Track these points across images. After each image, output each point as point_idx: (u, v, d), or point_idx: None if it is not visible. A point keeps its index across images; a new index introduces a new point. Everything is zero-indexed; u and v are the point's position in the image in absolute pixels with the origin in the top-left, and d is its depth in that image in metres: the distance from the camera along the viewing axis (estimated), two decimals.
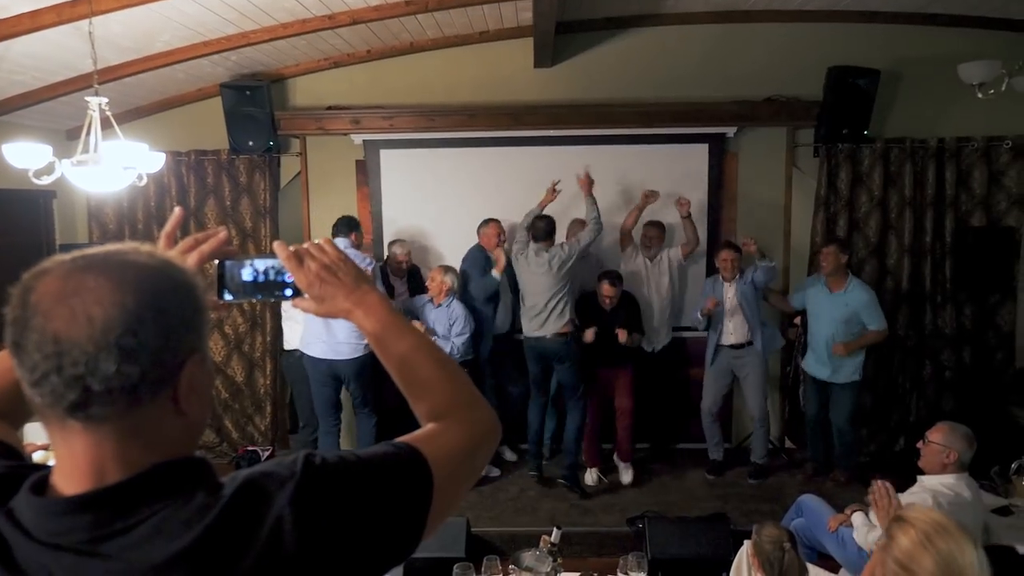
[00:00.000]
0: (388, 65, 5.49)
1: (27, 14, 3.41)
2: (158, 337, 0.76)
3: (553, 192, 4.95)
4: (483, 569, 2.83)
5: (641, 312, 5.16)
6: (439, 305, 4.91)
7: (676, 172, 5.44)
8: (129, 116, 5.30)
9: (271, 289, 1.06)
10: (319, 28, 4.37)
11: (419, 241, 5.57)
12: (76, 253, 0.78)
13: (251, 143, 5.34)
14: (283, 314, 5.32)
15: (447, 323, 4.87)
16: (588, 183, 4.86)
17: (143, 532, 0.74)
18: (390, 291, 5.22)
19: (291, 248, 1.04)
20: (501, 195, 5.46)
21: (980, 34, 5.22)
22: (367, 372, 4.71)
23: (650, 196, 5.08)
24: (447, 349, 4.77)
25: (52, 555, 0.74)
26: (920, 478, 3.22)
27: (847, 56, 5.21)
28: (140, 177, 3.68)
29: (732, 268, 4.98)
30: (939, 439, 3.16)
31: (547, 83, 5.48)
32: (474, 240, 5.25)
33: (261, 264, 1.06)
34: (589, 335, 4.86)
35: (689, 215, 5.10)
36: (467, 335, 4.88)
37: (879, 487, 2.50)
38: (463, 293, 5.03)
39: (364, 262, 4.62)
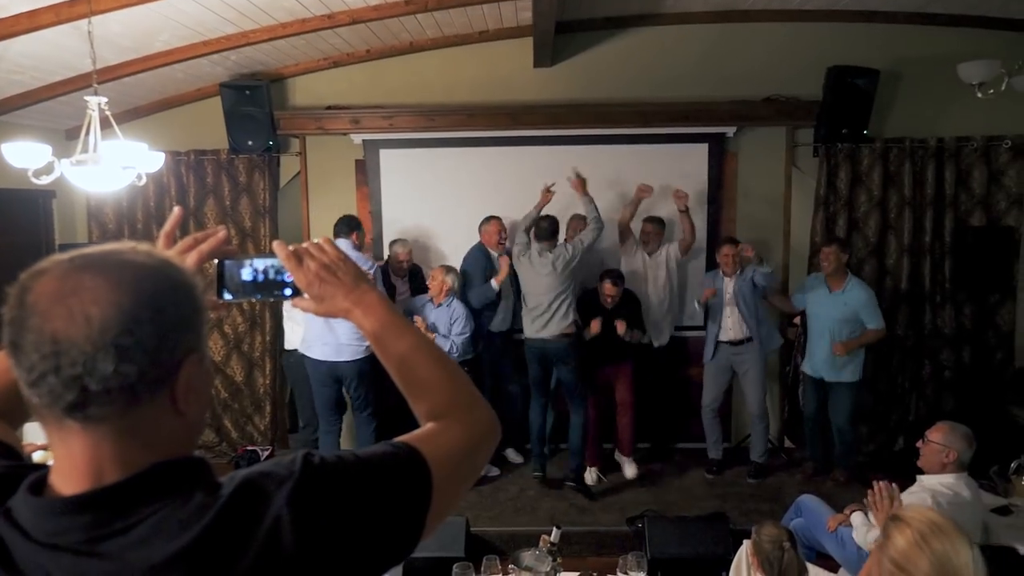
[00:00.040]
0: (387, 65, 5.49)
1: (25, 14, 3.41)
2: (156, 337, 0.76)
3: (547, 193, 4.94)
4: (482, 569, 2.83)
5: (642, 309, 5.16)
6: (439, 305, 4.91)
7: (676, 172, 5.44)
8: (128, 116, 5.30)
9: (270, 289, 1.06)
10: (319, 28, 4.37)
11: (419, 240, 5.56)
12: (74, 253, 0.78)
13: (250, 143, 5.34)
14: (284, 314, 5.32)
15: (448, 322, 4.88)
16: (581, 183, 4.86)
17: (141, 532, 0.74)
18: (391, 291, 5.21)
19: (290, 247, 1.04)
20: (500, 194, 5.46)
21: (979, 34, 5.22)
22: (368, 374, 4.70)
23: (644, 189, 5.09)
24: (447, 348, 4.77)
25: (50, 555, 0.74)
26: (919, 477, 3.22)
27: (846, 56, 5.21)
28: (139, 177, 3.68)
29: (733, 263, 4.98)
30: (939, 438, 3.16)
31: (546, 83, 5.48)
32: (474, 239, 5.26)
33: (260, 263, 1.06)
34: (595, 325, 4.85)
35: (687, 209, 5.07)
36: (468, 334, 4.88)
37: (879, 488, 2.50)
38: (462, 294, 5.03)
39: (365, 264, 4.62)
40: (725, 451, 5.36)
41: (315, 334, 4.69)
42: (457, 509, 3.67)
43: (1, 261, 4.69)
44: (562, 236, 5.02)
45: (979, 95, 4.09)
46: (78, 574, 0.74)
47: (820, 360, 4.93)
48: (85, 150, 3.35)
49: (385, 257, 5.39)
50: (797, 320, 5.46)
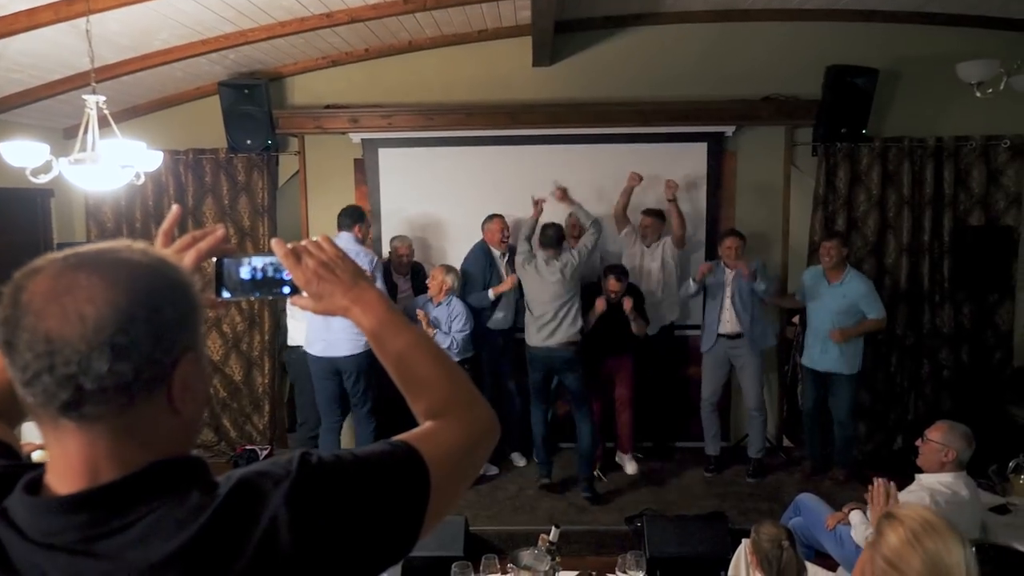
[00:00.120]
0: (386, 64, 5.49)
1: (24, 12, 3.40)
2: (151, 336, 0.75)
3: (538, 206, 4.95)
4: (481, 568, 2.83)
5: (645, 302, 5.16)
6: (439, 304, 4.91)
7: (675, 171, 5.43)
8: (127, 115, 5.29)
9: (269, 287, 1.06)
10: (317, 27, 4.36)
11: (418, 239, 5.55)
12: (68, 251, 0.78)
13: (249, 142, 5.33)
14: (287, 311, 5.31)
15: (447, 321, 4.88)
16: (563, 194, 4.90)
17: (137, 532, 0.74)
18: (393, 289, 5.21)
19: (289, 245, 1.04)
20: (499, 194, 5.46)
21: (978, 33, 5.22)
22: (367, 369, 4.68)
23: (633, 178, 5.11)
24: (447, 344, 4.78)
25: (46, 555, 0.74)
26: (918, 476, 3.22)
27: (846, 55, 5.21)
28: (138, 176, 3.68)
29: (736, 256, 4.98)
30: (938, 437, 3.16)
31: (545, 82, 5.48)
32: (472, 238, 5.26)
33: (259, 262, 1.05)
34: (600, 304, 4.81)
35: (675, 199, 5.05)
36: (468, 331, 4.88)
37: (879, 484, 2.50)
38: (463, 294, 5.02)
39: (368, 258, 4.60)
40: (724, 450, 5.37)
41: (315, 330, 4.69)
42: (456, 508, 3.66)
43: None
44: None
45: (978, 95, 4.09)
46: (74, 574, 0.73)
47: (819, 352, 4.93)
48: (83, 149, 3.35)
49: (386, 255, 5.38)
50: (796, 319, 5.46)
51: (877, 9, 5.18)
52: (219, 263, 1.05)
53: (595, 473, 5.04)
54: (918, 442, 3.27)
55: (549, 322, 4.72)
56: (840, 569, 3.40)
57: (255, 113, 5.24)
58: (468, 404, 1.04)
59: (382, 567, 0.85)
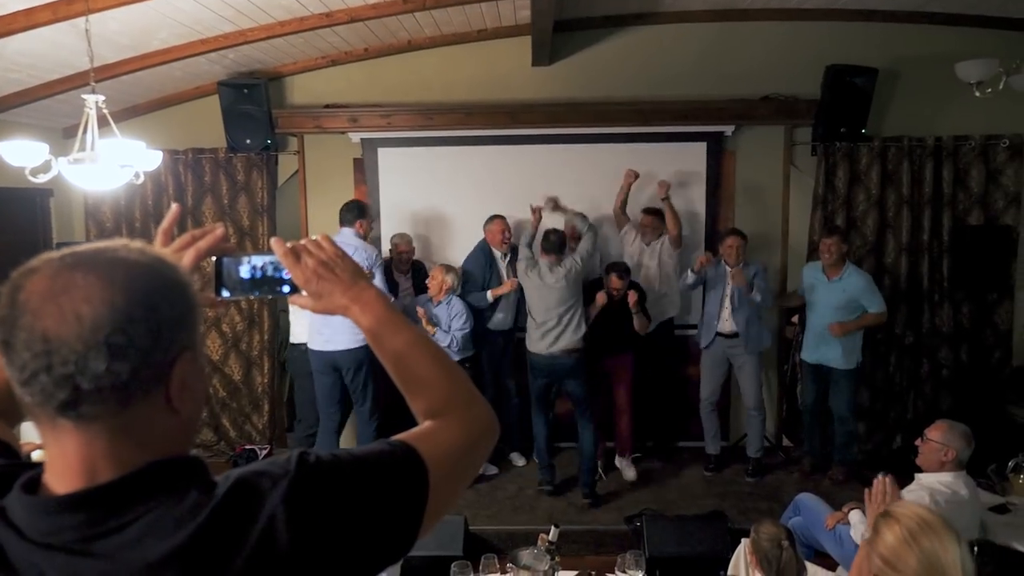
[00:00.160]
0: (386, 63, 5.49)
1: (23, 11, 3.40)
2: (148, 335, 0.75)
3: (536, 214, 4.96)
4: (481, 567, 2.83)
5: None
6: (439, 303, 4.91)
7: (674, 170, 5.45)
8: (126, 114, 5.29)
9: (269, 286, 1.06)
10: (317, 26, 4.36)
11: (418, 237, 5.55)
12: (66, 251, 0.78)
13: (249, 141, 5.33)
14: (290, 308, 5.31)
15: (447, 320, 4.88)
16: (554, 204, 4.95)
17: (135, 531, 0.74)
18: (394, 288, 5.20)
19: (288, 244, 1.04)
20: (499, 193, 5.46)
21: (978, 33, 5.23)
22: (365, 364, 4.67)
23: (629, 175, 5.12)
24: (447, 342, 4.77)
25: (44, 555, 0.74)
26: (918, 476, 3.22)
27: (845, 55, 5.21)
28: (137, 175, 3.67)
29: (737, 255, 4.98)
30: (937, 437, 3.16)
31: (545, 81, 5.48)
32: (472, 237, 5.26)
33: (259, 261, 1.05)
34: (600, 298, 4.81)
35: (667, 197, 5.06)
36: (468, 330, 4.88)
37: (879, 483, 2.48)
38: (463, 292, 5.02)
39: (370, 254, 4.58)
40: (723, 449, 5.37)
41: (315, 324, 4.69)
42: (455, 508, 3.68)
43: None
44: None
45: (977, 94, 4.09)
46: (72, 573, 0.73)
47: (818, 347, 4.94)
48: (83, 148, 3.35)
49: (386, 253, 5.38)
50: (795, 319, 5.46)
51: (876, 9, 5.18)
52: (218, 262, 1.05)
53: (596, 474, 5.04)
54: (918, 441, 3.27)
55: (552, 329, 4.68)
56: (839, 569, 3.40)
57: (254, 113, 5.24)
58: (467, 403, 1.04)
59: (381, 566, 0.84)
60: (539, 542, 2.87)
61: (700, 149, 5.53)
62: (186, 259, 1.03)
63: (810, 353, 5.03)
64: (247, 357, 5.69)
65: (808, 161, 5.54)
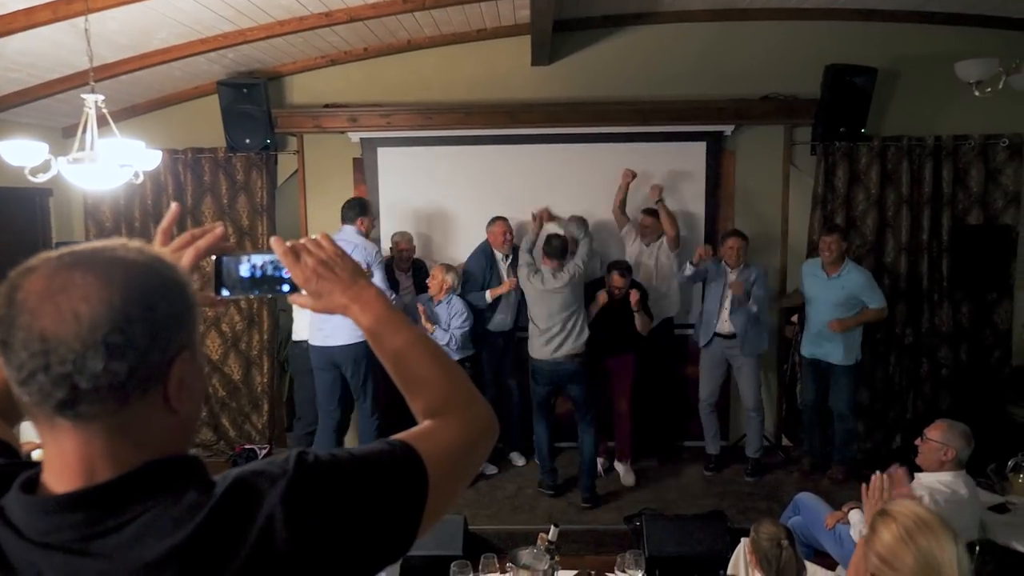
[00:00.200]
0: (385, 63, 5.48)
1: (22, 11, 3.40)
2: (146, 335, 0.75)
3: (536, 222, 4.97)
4: (480, 567, 2.83)
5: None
6: (439, 302, 4.91)
7: (673, 170, 5.45)
8: (126, 114, 5.29)
9: (268, 285, 1.06)
10: (316, 26, 4.36)
11: (418, 236, 5.55)
12: (64, 250, 0.78)
13: (248, 141, 5.33)
14: (293, 304, 5.29)
15: (447, 319, 4.88)
16: (548, 215, 4.96)
17: (133, 531, 0.74)
18: (395, 285, 5.20)
19: (288, 243, 1.04)
20: (498, 193, 5.46)
21: (977, 32, 5.23)
22: (365, 359, 4.66)
23: (627, 175, 5.13)
24: (446, 340, 4.77)
25: (42, 554, 0.74)
26: (917, 475, 3.22)
27: (844, 54, 5.22)
28: (137, 175, 3.67)
29: (738, 256, 4.98)
30: (937, 436, 3.16)
31: (544, 81, 5.47)
32: (471, 236, 5.27)
33: (258, 260, 1.05)
34: (601, 297, 4.82)
35: (661, 200, 5.07)
36: (467, 328, 4.88)
37: (876, 479, 2.48)
38: (464, 292, 5.03)
39: (369, 252, 4.58)
40: (723, 449, 5.37)
41: (316, 321, 4.68)
42: (454, 507, 3.67)
43: None
44: None
45: (977, 94, 4.09)
46: (70, 573, 0.73)
47: (818, 343, 4.95)
48: (82, 148, 3.35)
49: (386, 252, 5.37)
50: (795, 318, 5.46)
51: (876, 8, 5.18)
52: (218, 261, 1.05)
53: (596, 476, 5.03)
54: (917, 441, 3.28)
55: (557, 335, 4.64)
56: (839, 568, 3.40)
57: (254, 112, 5.24)
58: (467, 403, 1.04)
59: (379, 566, 0.84)
60: (539, 542, 2.87)
61: (700, 149, 5.52)
62: (185, 258, 1.03)
63: (809, 349, 5.03)
64: (247, 357, 5.69)
65: (808, 161, 5.54)
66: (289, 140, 5.63)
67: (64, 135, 5.34)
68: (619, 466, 5.20)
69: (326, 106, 5.46)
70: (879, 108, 5.37)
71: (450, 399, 1.03)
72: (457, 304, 4.90)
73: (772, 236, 5.63)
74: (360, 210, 4.75)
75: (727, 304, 5.04)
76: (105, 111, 3.38)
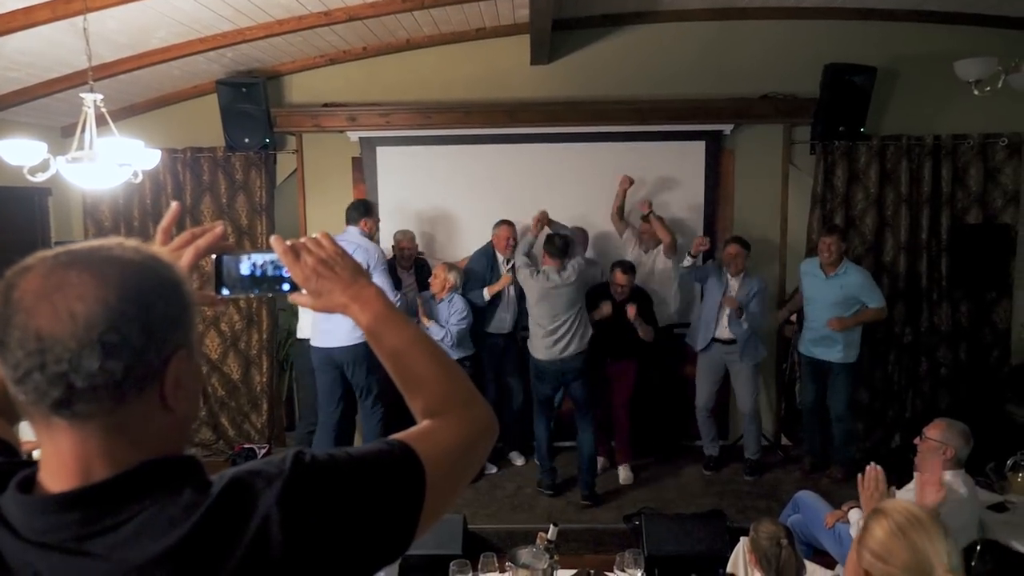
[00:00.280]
0: (384, 62, 5.48)
1: (21, 10, 3.40)
2: (142, 334, 0.75)
3: (537, 224, 4.97)
4: (480, 566, 2.83)
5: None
6: (440, 301, 4.92)
7: (672, 169, 5.45)
8: (124, 113, 5.29)
9: (268, 284, 1.06)
10: (315, 25, 4.36)
11: (418, 234, 5.54)
12: (60, 249, 0.77)
13: (247, 140, 5.33)
14: (293, 303, 5.28)
15: (447, 318, 4.89)
16: (543, 218, 4.94)
17: (129, 530, 0.73)
18: (398, 283, 5.19)
19: (288, 242, 1.04)
20: (497, 192, 5.46)
21: (976, 31, 5.23)
22: (365, 358, 4.65)
23: (624, 181, 5.14)
24: (443, 336, 4.78)
25: (38, 553, 0.74)
26: (917, 475, 3.22)
27: (843, 53, 5.21)
28: (136, 174, 3.67)
29: (739, 264, 4.98)
30: (936, 435, 3.17)
31: (543, 80, 5.47)
32: (471, 235, 5.29)
33: (258, 259, 1.05)
34: (606, 307, 4.82)
35: (650, 211, 5.10)
36: (464, 326, 4.88)
37: (871, 469, 2.48)
38: (464, 291, 5.03)
39: (370, 253, 4.58)
40: (722, 448, 5.37)
41: (317, 320, 4.68)
42: (453, 507, 3.67)
43: None
44: None
45: (976, 93, 4.08)
46: (67, 572, 0.73)
47: (816, 342, 4.95)
48: (81, 147, 3.34)
49: (387, 250, 5.37)
50: (793, 319, 5.46)
51: (875, 7, 5.18)
52: (218, 260, 1.05)
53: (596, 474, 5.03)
54: (916, 440, 3.28)
55: (565, 335, 4.61)
56: (838, 567, 3.40)
57: (253, 111, 5.23)
58: (466, 403, 1.04)
59: (376, 567, 0.84)
60: (538, 541, 2.87)
61: (699, 148, 5.52)
62: (185, 257, 1.03)
63: (808, 348, 5.03)
64: (246, 356, 5.69)
65: (807, 160, 5.54)
66: (288, 139, 5.63)
67: (63, 134, 5.33)
68: (618, 466, 5.20)
69: (325, 105, 5.45)
70: (878, 107, 5.37)
71: (449, 399, 1.02)
72: (458, 303, 4.91)
73: (771, 235, 5.63)
74: (364, 211, 4.75)
75: (725, 310, 5.04)
76: (104, 110, 3.38)
